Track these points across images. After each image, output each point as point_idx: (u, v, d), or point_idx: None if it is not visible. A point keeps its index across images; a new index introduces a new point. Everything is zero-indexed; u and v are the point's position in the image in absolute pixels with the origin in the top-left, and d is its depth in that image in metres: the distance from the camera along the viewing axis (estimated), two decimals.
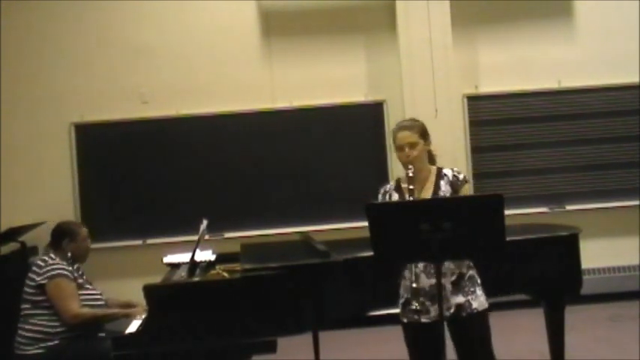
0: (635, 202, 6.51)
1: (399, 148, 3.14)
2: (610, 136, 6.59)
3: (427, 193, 3.13)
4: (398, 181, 3.25)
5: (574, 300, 4.05)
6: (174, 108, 6.48)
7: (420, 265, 3.05)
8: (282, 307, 3.29)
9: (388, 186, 3.28)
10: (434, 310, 3.01)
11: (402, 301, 3.17)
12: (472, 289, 3.09)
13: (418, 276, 3.06)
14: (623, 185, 6.57)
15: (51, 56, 6.49)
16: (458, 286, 3.07)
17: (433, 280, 3.00)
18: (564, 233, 4.10)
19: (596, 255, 6.14)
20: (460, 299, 3.06)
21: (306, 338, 3.73)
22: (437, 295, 2.91)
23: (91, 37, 6.51)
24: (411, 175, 3.06)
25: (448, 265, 3.05)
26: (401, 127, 3.19)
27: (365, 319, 4.00)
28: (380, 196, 3.26)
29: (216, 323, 3.22)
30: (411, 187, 3.03)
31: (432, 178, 3.17)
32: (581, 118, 6.60)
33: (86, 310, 3.74)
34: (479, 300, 3.10)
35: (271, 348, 3.26)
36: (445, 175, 3.17)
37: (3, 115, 6.37)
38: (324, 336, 3.99)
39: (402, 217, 2.79)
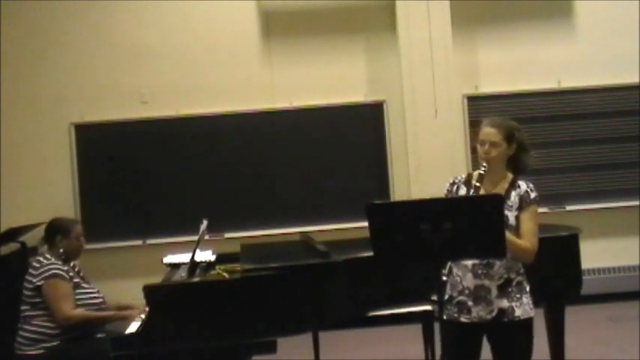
0: (635, 203, 6.51)
1: (480, 143, 3.07)
2: (610, 137, 6.59)
3: None
4: (469, 175, 3.15)
5: (574, 300, 4.06)
6: (174, 108, 6.48)
7: (468, 264, 3.01)
8: (282, 307, 3.29)
9: (459, 178, 3.20)
10: (475, 312, 2.99)
11: (445, 297, 3.06)
12: (518, 296, 3.01)
13: (464, 275, 3.02)
14: (623, 185, 6.57)
15: (51, 56, 6.49)
16: (504, 291, 3.00)
17: (479, 281, 2.99)
18: (564, 233, 4.10)
19: (596, 255, 6.14)
20: (504, 304, 2.99)
21: (306, 338, 3.74)
22: (485, 297, 2.94)
23: (92, 37, 6.51)
24: (482, 172, 2.99)
25: (497, 269, 3.00)
26: (489, 123, 3.11)
27: (365, 319, 3.99)
28: (448, 185, 3.19)
29: (216, 323, 3.22)
30: (477, 184, 2.97)
31: (505, 185, 3.09)
32: (581, 118, 6.60)
33: (78, 312, 3.70)
34: (523, 308, 3.01)
35: (271, 348, 3.26)
36: (519, 186, 3.09)
37: (3, 115, 6.37)
38: (324, 336, 4.00)
39: (402, 217, 2.79)
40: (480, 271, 2.99)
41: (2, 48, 6.37)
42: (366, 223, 2.76)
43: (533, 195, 3.07)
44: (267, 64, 6.59)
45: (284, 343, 3.30)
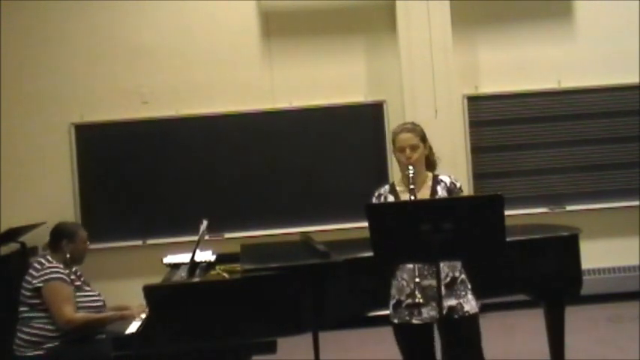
0: (636, 203, 6.51)
1: (401, 150, 3.16)
2: (610, 137, 6.59)
3: (424, 198, 3.14)
4: (392, 185, 3.26)
5: (574, 300, 4.06)
6: (174, 108, 6.48)
7: (414, 266, 3.05)
8: (282, 307, 3.29)
9: (382, 189, 3.27)
10: (426, 312, 3.02)
11: (393, 302, 3.17)
12: (464, 293, 3.11)
13: (412, 278, 3.06)
14: (623, 185, 6.57)
15: (51, 56, 6.49)
16: (451, 289, 3.09)
17: (427, 282, 3.02)
18: (564, 233, 4.10)
19: (596, 255, 6.14)
20: (452, 302, 3.08)
21: (306, 338, 3.73)
22: (434, 296, 2.94)
23: (91, 37, 6.51)
24: (412, 174, 3.07)
25: (442, 268, 3.05)
26: (403, 130, 3.22)
27: (365, 319, 3.99)
28: (374, 199, 3.25)
29: (216, 323, 3.22)
30: (412, 186, 3.04)
31: (429, 184, 3.19)
32: (581, 118, 6.59)
33: (80, 316, 3.70)
34: (470, 303, 3.12)
35: (271, 348, 3.27)
36: (442, 181, 3.20)
37: (3, 115, 6.36)
38: (324, 336, 3.99)
39: (402, 218, 2.79)
40: (425, 272, 3.02)
41: (2, 48, 6.37)
42: (366, 223, 2.76)
43: (458, 184, 3.23)
44: (267, 64, 6.59)
45: (284, 343, 3.30)
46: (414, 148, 3.14)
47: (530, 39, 6.63)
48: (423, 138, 3.21)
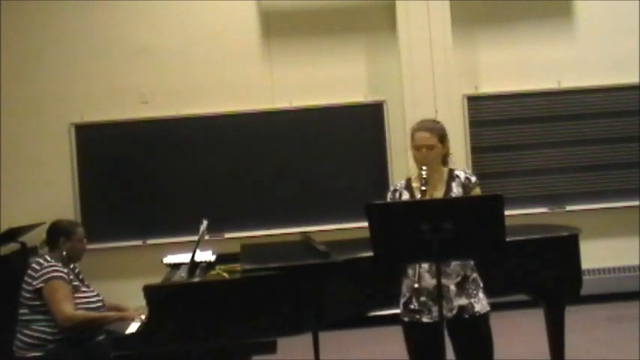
0: (635, 203, 6.51)
1: (417, 148, 3.13)
2: (610, 137, 6.59)
3: (439, 194, 3.13)
4: (409, 180, 3.24)
5: (574, 300, 4.06)
6: (174, 108, 6.48)
7: (425, 265, 3.03)
8: (282, 307, 3.29)
9: (399, 184, 3.26)
10: (436, 311, 3.00)
11: (403, 299, 3.16)
12: (475, 292, 3.09)
13: (422, 276, 3.05)
14: (623, 186, 6.57)
15: (51, 56, 6.49)
16: (462, 288, 3.07)
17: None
18: (564, 234, 4.10)
19: (596, 255, 6.14)
20: (463, 301, 3.06)
21: (306, 338, 3.73)
22: (445, 295, 2.94)
23: (91, 37, 6.51)
24: (424, 176, 3.06)
25: (453, 267, 3.05)
26: (421, 128, 3.18)
27: (365, 319, 4.00)
28: (389, 194, 3.25)
29: (216, 324, 3.22)
30: (423, 188, 3.03)
31: (444, 179, 3.16)
32: (581, 118, 6.59)
33: (80, 313, 3.70)
34: (481, 303, 3.10)
35: (271, 348, 3.27)
36: (457, 176, 3.17)
37: (3, 115, 6.37)
38: (324, 336, 3.99)
39: (403, 218, 2.79)
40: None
41: (2, 48, 6.38)
42: (366, 223, 2.76)
43: (473, 179, 3.18)
44: (267, 64, 6.59)
45: (284, 343, 3.30)
46: (430, 147, 3.11)
47: (530, 39, 6.63)
48: (442, 138, 3.16)
